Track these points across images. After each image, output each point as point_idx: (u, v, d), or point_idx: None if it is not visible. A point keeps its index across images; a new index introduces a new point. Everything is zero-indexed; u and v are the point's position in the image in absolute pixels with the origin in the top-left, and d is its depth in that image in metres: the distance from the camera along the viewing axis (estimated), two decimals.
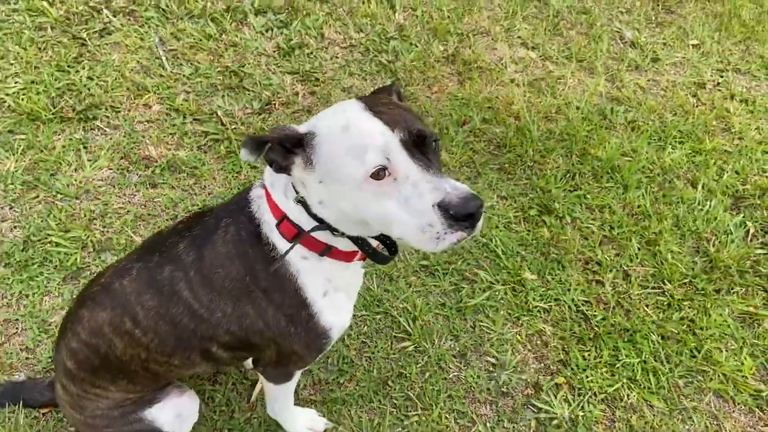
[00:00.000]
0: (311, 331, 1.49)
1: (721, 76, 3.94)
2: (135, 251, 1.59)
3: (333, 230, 1.35)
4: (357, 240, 1.37)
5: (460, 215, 1.16)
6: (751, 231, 2.95)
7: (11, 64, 2.80)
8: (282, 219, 1.37)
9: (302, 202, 1.33)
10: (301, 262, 1.41)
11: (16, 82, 2.73)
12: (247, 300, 1.43)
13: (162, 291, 1.43)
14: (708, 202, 3.02)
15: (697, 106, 3.63)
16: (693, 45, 4.15)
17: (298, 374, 1.75)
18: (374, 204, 1.22)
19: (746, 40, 4.28)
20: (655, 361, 2.39)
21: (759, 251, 2.85)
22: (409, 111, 1.31)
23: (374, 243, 1.42)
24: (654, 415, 2.26)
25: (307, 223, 1.35)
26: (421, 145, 1.24)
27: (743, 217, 2.99)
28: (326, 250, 1.39)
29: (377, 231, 1.33)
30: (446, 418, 2.13)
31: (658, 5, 4.42)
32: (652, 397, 2.30)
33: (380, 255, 1.42)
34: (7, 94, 2.67)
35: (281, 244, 1.39)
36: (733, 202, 3.09)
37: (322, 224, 1.34)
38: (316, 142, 1.25)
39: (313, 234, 1.36)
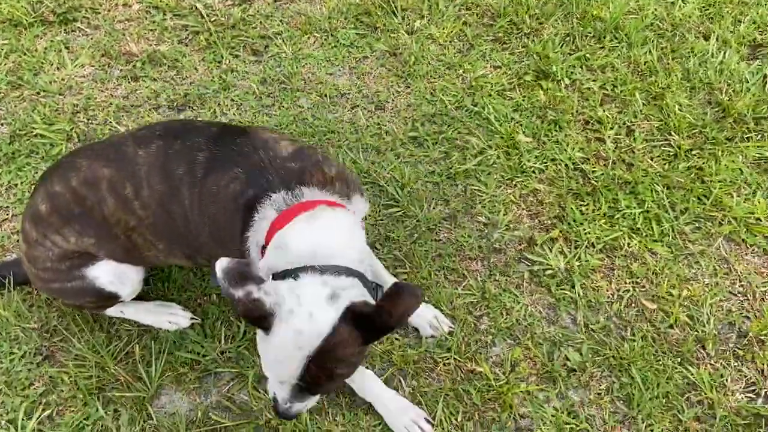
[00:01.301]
0: None
1: None
2: (158, 125, 1.62)
3: None
4: None
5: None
6: None
7: None
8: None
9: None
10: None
11: None
12: (224, 245, 1.49)
13: (171, 184, 1.48)
14: (722, 53, 2.81)
15: None
16: None
17: None
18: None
19: None
20: (659, 209, 2.29)
21: None
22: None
23: None
24: (657, 261, 2.18)
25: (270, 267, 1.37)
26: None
27: (760, 63, 2.78)
28: None
29: None
30: (436, 274, 2.10)
31: None
32: (655, 245, 2.21)
33: None
34: None
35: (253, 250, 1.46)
36: (750, 51, 2.87)
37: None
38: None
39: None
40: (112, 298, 1.68)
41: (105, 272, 1.62)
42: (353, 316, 1.23)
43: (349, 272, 1.30)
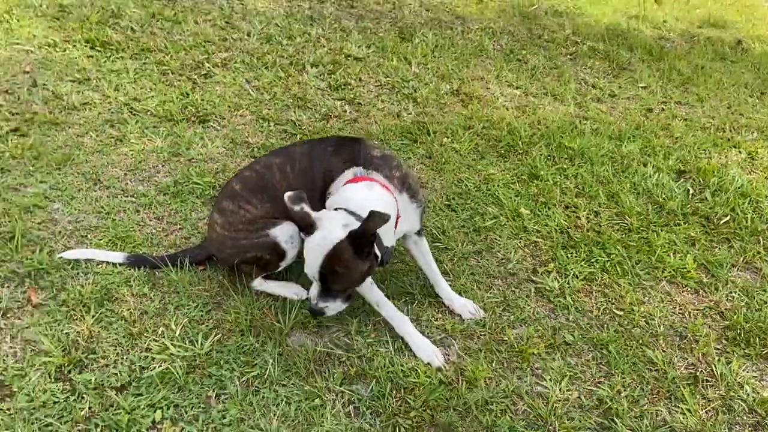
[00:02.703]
0: None
1: (665, 105, 5.11)
2: (307, 140, 2.77)
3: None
4: None
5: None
6: (691, 192, 3.94)
7: (149, 92, 3.98)
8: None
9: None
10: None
11: (153, 101, 3.90)
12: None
13: (311, 162, 2.53)
14: (657, 175, 4.04)
15: (646, 122, 4.75)
16: (642, 87, 5.37)
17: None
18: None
19: (684, 84, 5.51)
20: (621, 259, 3.29)
21: (698, 204, 3.83)
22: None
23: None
24: (621, 289, 3.13)
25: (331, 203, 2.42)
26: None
27: (684, 182, 4.00)
28: None
29: None
30: (471, 284, 3.01)
31: (613, 63, 5.71)
32: (620, 280, 3.18)
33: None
34: (150, 107, 3.82)
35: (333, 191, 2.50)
36: (677, 175, 4.11)
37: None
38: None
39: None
40: (281, 257, 2.55)
41: (284, 232, 2.52)
42: (351, 238, 2.17)
43: (361, 219, 2.20)
